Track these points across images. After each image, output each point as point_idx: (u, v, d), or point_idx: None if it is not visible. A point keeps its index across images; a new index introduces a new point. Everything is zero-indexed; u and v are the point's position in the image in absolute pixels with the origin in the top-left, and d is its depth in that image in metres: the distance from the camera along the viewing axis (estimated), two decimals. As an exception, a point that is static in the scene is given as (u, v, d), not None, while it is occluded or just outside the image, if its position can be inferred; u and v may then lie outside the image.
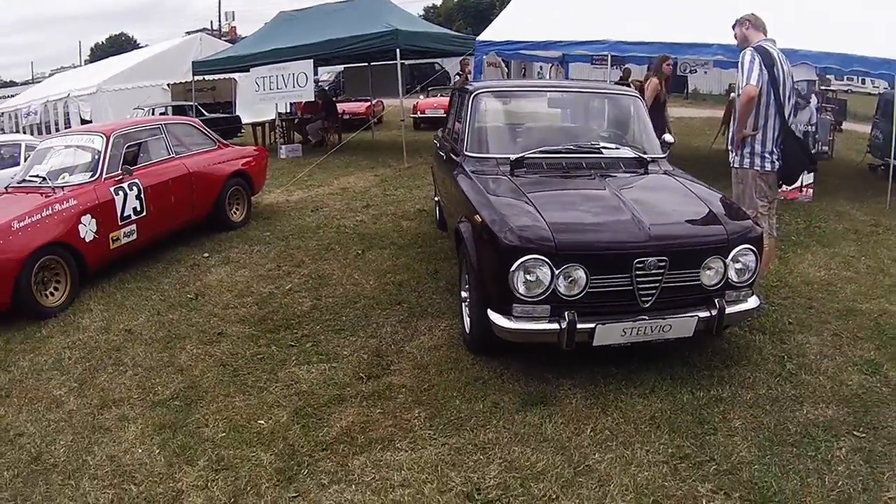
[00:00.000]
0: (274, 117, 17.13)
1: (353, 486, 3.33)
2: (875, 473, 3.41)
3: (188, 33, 27.29)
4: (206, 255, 7.60)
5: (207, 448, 3.72)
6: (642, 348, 4.52)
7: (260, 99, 15.33)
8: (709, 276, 4.03)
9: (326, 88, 26.12)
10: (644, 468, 3.46)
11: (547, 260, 3.83)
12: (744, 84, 4.91)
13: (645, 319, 3.93)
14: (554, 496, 3.26)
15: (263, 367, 4.63)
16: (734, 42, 9.38)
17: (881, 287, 6.00)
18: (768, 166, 5.05)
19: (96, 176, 6.63)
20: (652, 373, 4.36)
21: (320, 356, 4.77)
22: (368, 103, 21.20)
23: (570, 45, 10.81)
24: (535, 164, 4.98)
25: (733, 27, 5.42)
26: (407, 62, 19.82)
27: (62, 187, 6.43)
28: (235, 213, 8.75)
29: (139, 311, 5.88)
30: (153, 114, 17.53)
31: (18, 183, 6.80)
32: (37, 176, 6.72)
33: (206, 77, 19.09)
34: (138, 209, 6.91)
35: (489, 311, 4.13)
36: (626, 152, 5.20)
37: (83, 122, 19.83)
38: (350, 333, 5.18)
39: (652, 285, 3.94)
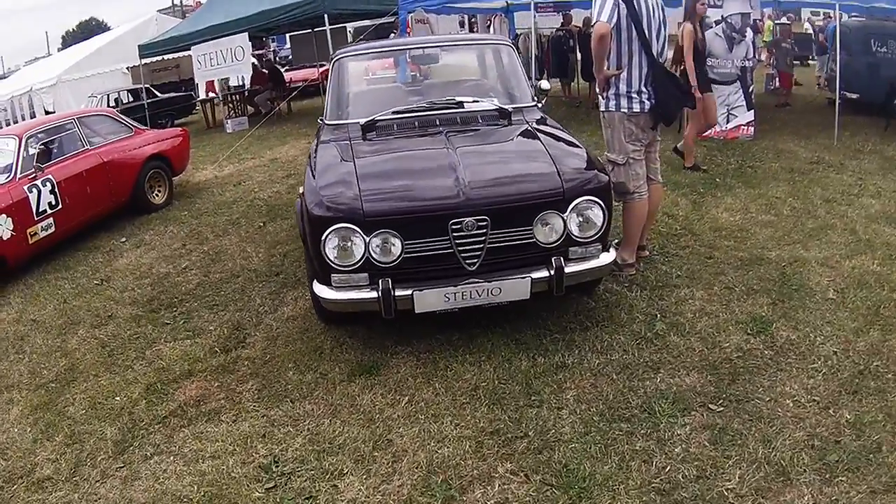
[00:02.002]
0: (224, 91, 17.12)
1: (171, 458, 3.47)
2: (718, 457, 3.05)
3: (160, 11, 27.00)
4: (124, 239, 7.86)
5: (67, 425, 3.93)
6: (496, 312, 4.36)
7: (202, 76, 15.29)
8: (545, 232, 3.82)
9: (272, 58, 26.11)
10: (446, 444, 3.32)
11: (356, 228, 3.72)
12: (594, 21, 4.59)
13: (469, 283, 3.76)
14: (344, 470, 3.22)
15: (136, 347, 4.81)
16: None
17: (801, 231, 5.68)
18: (636, 107, 4.66)
19: (10, 177, 6.84)
20: (496, 337, 4.21)
21: (187, 332, 4.91)
22: (322, 68, 21.11)
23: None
24: (387, 127, 4.74)
25: None
26: (350, 25, 19.68)
27: None
28: (157, 196, 8.96)
29: (50, 300, 6.07)
30: (107, 100, 17.59)
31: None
32: None
33: (166, 56, 19.03)
34: (53, 203, 7.12)
35: (315, 282, 4.07)
36: (486, 105, 4.90)
37: (46, 114, 19.90)
38: (222, 308, 5.29)
39: (475, 247, 3.75)
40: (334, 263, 3.87)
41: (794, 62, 13.83)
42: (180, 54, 17.89)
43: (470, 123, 4.81)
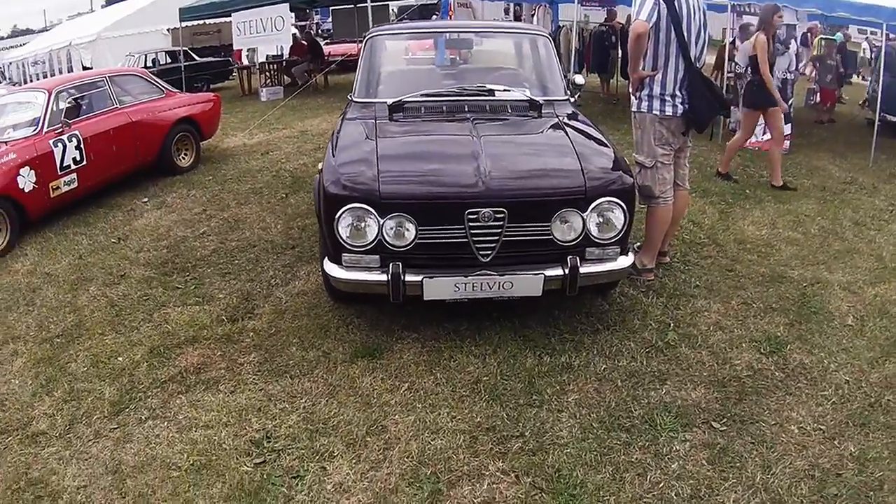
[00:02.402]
0: (263, 59, 17.11)
1: (165, 423, 3.47)
2: (715, 478, 2.94)
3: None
4: (146, 199, 7.93)
5: (67, 381, 3.96)
6: (507, 306, 4.29)
7: (241, 43, 15.28)
8: (563, 230, 3.71)
9: (315, 30, 26.02)
10: (440, 436, 3.26)
11: (371, 209, 3.64)
12: (633, 19, 4.46)
13: (481, 275, 3.67)
14: (335, 453, 3.19)
15: (144, 308, 4.81)
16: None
17: (826, 252, 5.47)
18: (669, 110, 4.53)
19: (37, 130, 6.89)
20: (504, 332, 4.13)
21: (197, 298, 4.90)
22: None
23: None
24: (414, 109, 4.66)
25: None
26: (393, 3, 19.57)
27: (5, 142, 6.71)
28: (183, 159, 9.00)
29: (66, 255, 6.10)
30: (145, 60, 17.66)
31: (-30, 137, 7.01)
32: None
33: (207, 21, 19.05)
34: (78, 159, 7.18)
35: (326, 259, 4.00)
36: (517, 95, 4.79)
37: (84, 69, 20.07)
38: (234, 277, 5.28)
39: (490, 238, 3.66)
40: (346, 243, 3.80)
41: (843, 79, 13.43)
42: (221, 20, 17.83)
43: (499, 112, 4.70)
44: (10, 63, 26.29)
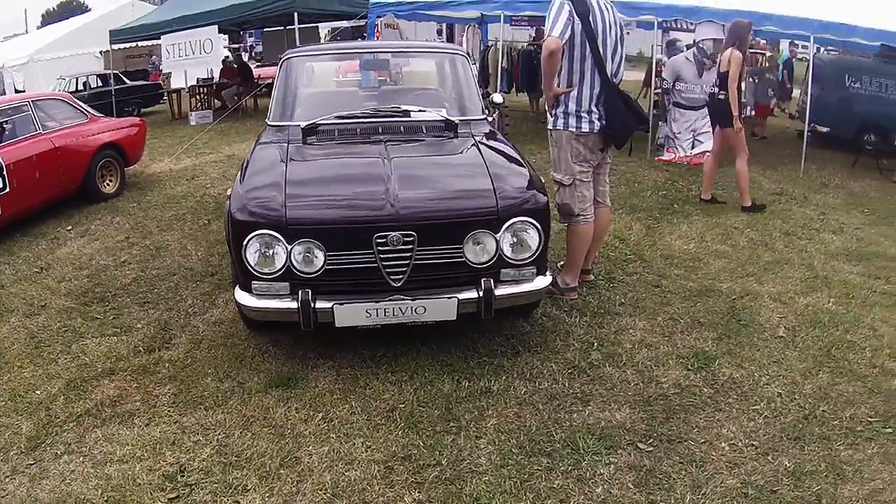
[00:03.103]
0: (193, 82, 16.93)
1: (80, 458, 3.38)
2: (643, 500, 2.87)
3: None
4: (70, 227, 7.70)
5: None
6: (424, 331, 4.22)
7: (170, 66, 15.10)
8: (476, 252, 3.65)
9: (241, 54, 25.95)
10: (355, 466, 3.18)
11: (278, 235, 3.56)
12: (545, 35, 4.37)
13: (393, 300, 3.60)
14: (248, 486, 3.10)
15: (63, 340, 4.71)
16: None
17: (756, 264, 5.52)
18: (585, 127, 4.48)
19: None
20: (423, 357, 4.06)
21: (115, 329, 4.79)
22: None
23: (461, 5, 10.61)
24: (328, 132, 4.61)
25: None
26: (323, 24, 19.51)
27: None
28: (108, 185, 8.77)
29: None
30: (76, 83, 17.32)
31: None
32: None
33: (139, 43, 18.78)
34: (1, 186, 6.97)
35: (237, 287, 3.90)
36: (432, 115, 4.74)
37: (16, 92, 19.61)
38: (153, 306, 5.15)
39: (401, 263, 3.61)
40: (255, 270, 3.71)
41: (788, 94, 13.67)
42: (153, 42, 17.60)
43: (414, 134, 4.68)
44: (-58, 86, 25.53)
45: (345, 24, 14.68)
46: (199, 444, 3.41)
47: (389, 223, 3.56)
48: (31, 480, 3.26)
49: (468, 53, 5.62)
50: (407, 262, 3.63)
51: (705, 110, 9.26)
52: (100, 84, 17.60)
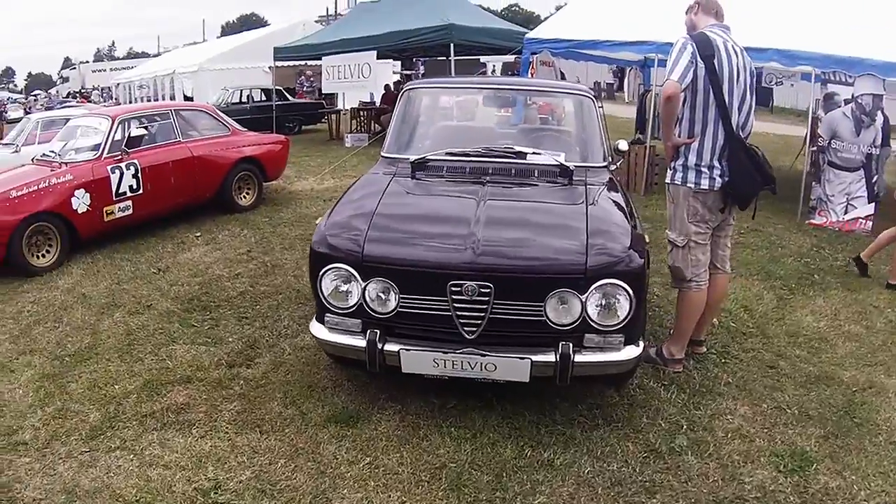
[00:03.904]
0: (356, 105, 17.37)
1: (131, 456, 3.51)
2: None
3: (321, 17, 28.11)
4: (198, 234, 8.09)
5: (62, 399, 4.14)
6: (501, 386, 3.84)
7: (329, 87, 15.55)
8: (558, 312, 3.35)
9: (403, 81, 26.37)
10: None
11: (353, 271, 3.46)
12: (665, 79, 3.98)
13: (462, 353, 3.37)
14: None
15: (155, 341, 4.91)
16: (790, 47, 8.88)
17: (889, 351, 4.83)
18: (705, 183, 4.06)
19: (97, 155, 7.26)
20: (493, 415, 3.79)
21: (207, 339, 4.92)
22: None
23: (616, 46, 10.25)
24: (436, 167, 4.45)
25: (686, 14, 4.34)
26: (486, 57, 19.55)
27: (66, 163, 7.11)
28: (245, 198, 9.18)
29: (106, 278, 6.39)
30: (240, 95, 18.18)
31: (42, 156, 7.60)
32: (53, 151, 7.53)
33: (310, 62, 19.50)
34: (135, 187, 7.49)
35: (314, 318, 3.80)
36: (546, 159, 4.48)
37: (186, 98, 20.97)
38: (249, 322, 5.24)
39: (476, 314, 3.35)
40: (329, 304, 3.61)
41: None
42: (315, 62, 18.25)
43: (525, 177, 4.41)
44: (119, 84, 27.80)
45: (501, 58, 14.62)
46: (243, 465, 3.42)
47: (465, 271, 3.32)
48: (80, 466, 3.44)
49: (596, 95, 5.24)
50: (483, 314, 3.36)
51: (861, 172, 8.53)
52: (263, 98, 18.41)
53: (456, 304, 3.40)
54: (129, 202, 7.42)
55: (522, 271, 3.42)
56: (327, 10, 42.38)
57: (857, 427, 3.90)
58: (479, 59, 18.65)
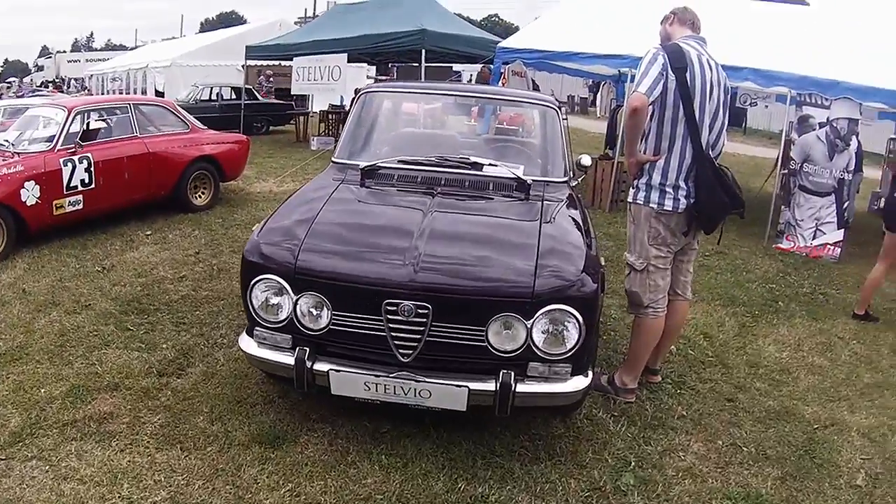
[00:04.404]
0: (326, 108, 17.11)
1: (47, 468, 3.32)
2: None
3: (300, 18, 27.85)
4: (149, 232, 7.80)
5: None
6: (441, 412, 3.60)
7: (298, 89, 15.30)
8: (501, 338, 3.12)
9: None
10: None
11: (284, 283, 3.23)
12: (632, 91, 3.77)
13: (396, 377, 3.13)
14: None
15: (89, 344, 4.69)
16: (767, 67, 8.75)
17: (853, 386, 4.72)
18: (669, 204, 3.82)
19: (51, 147, 6.94)
20: (428, 444, 3.55)
21: (140, 345, 4.71)
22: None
23: (590, 58, 10.11)
24: (387, 176, 4.22)
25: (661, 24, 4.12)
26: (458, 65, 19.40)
27: (18, 153, 6.81)
28: (200, 197, 8.88)
29: (49, 275, 6.12)
30: (210, 93, 17.86)
31: (-4, 144, 7.24)
32: (7, 140, 7.16)
33: (284, 63, 19.19)
34: (86, 181, 7.17)
35: (245, 331, 3.56)
36: (503, 172, 4.25)
37: (157, 93, 20.62)
38: (186, 328, 5.03)
39: (413, 336, 3.13)
40: (259, 317, 3.36)
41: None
42: (287, 63, 17.96)
43: (479, 190, 4.18)
44: (92, 76, 27.40)
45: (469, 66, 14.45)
46: (159, 484, 3.22)
47: (402, 289, 3.08)
48: (-6, 476, 3.19)
49: (559, 107, 5.03)
50: (419, 336, 3.13)
51: (832, 197, 8.42)
52: (233, 97, 18.05)
53: (391, 325, 3.16)
54: (80, 196, 7.13)
55: (463, 292, 3.17)
56: (305, 10, 42.10)
57: (816, 468, 3.71)
58: (451, 67, 18.44)
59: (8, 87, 34.51)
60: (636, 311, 4.15)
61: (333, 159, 4.68)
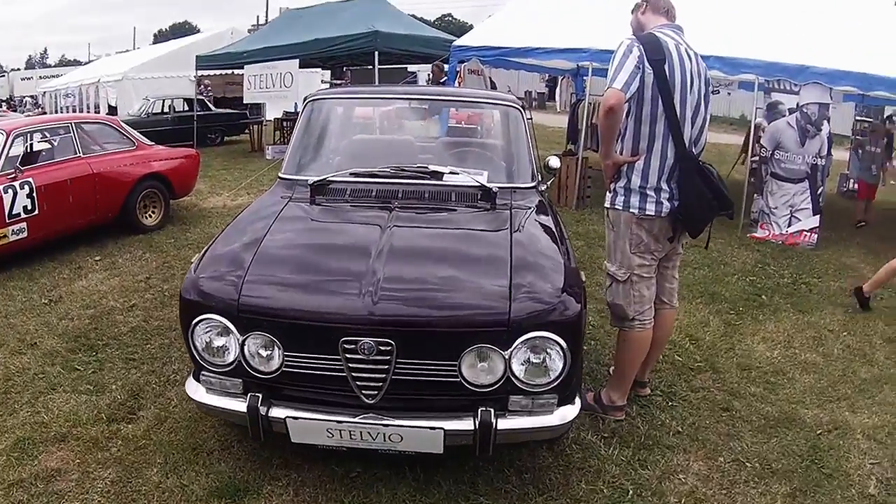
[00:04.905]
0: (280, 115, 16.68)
1: None
2: None
3: (253, 26, 27.33)
4: (98, 258, 7.37)
5: None
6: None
7: (250, 97, 14.89)
8: (476, 372, 2.78)
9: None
10: None
11: (227, 323, 2.87)
12: (606, 87, 3.37)
13: (363, 421, 2.79)
14: None
15: (34, 389, 4.33)
16: (733, 55, 8.53)
17: (850, 383, 4.49)
18: (651, 208, 3.50)
19: None
20: (402, 486, 3.22)
21: (89, 386, 4.34)
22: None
23: (548, 53, 9.85)
24: (339, 191, 3.86)
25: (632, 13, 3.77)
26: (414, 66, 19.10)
27: None
28: (150, 217, 8.44)
29: None
30: (162, 105, 17.35)
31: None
32: None
33: (235, 71, 18.74)
34: (29, 208, 6.76)
35: (191, 375, 3.20)
36: (466, 180, 3.91)
37: (109, 108, 20.05)
38: (136, 365, 4.66)
39: (377, 375, 2.78)
40: (203, 360, 2.99)
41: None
42: (238, 71, 17.52)
43: (440, 201, 3.83)
44: (45, 92, 26.74)
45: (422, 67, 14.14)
46: None
47: (360, 325, 2.72)
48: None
49: (523, 106, 4.70)
50: (384, 374, 2.78)
51: (805, 183, 8.26)
52: (186, 108, 17.54)
53: (351, 364, 2.80)
54: (24, 224, 6.70)
55: (429, 324, 2.81)
56: (258, 18, 41.50)
57: (825, 479, 3.44)
58: (406, 68, 18.10)
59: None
60: (621, 324, 3.82)
61: (280, 175, 4.28)
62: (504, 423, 2.84)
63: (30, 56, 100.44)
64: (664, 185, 3.55)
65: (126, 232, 8.11)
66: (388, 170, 3.99)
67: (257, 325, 2.84)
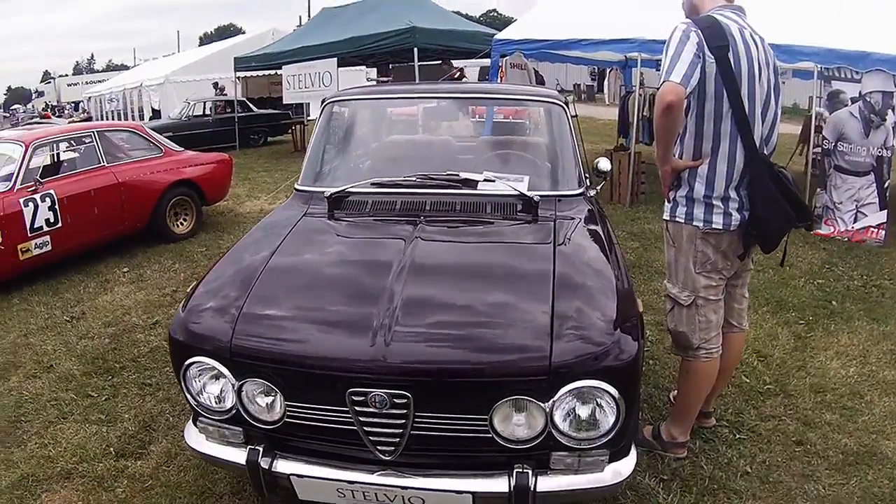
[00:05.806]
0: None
1: None
2: None
3: (297, 27, 27.21)
4: (126, 269, 7.14)
5: None
6: None
7: (290, 97, 14.65)
8: (511, 426, 2.34)
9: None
10: None
11: (221, 368, 2.49)
12: (661, 79, 2.85)
13: (377, 481, 2.37)
14: None
15: (45, 417, 4.11)
16: (788, 42, 7.96)
17: None
18: (718, 221, 2.98)
19: (9, 187, 6.37)
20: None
21: (101, 415, 4.09)
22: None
23: (593, 45, 9.36)
24: (359, 203, 3.43)
25: None
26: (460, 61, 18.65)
27: None
28: (181, 225, 8.23)
29: (14, 329, 5.57)
30: (203, 107, 17.23)
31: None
32: None
33: (278, 72, 18.58)
34: (52, 220, 6.61)
35: (190, 420, 2.82)
36: (503, 188, 3.41)
37: (153, 111, 20.11)
38: (152, 392, 4.37)
39: (392, 431, 2.37)
40: (199, 405, 2.61)
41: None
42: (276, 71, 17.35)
43: (474, 213, 3.37)
44: (90, 98, 27.08)
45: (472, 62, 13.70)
46: None
47: (367, 375, 2.29)
48: None
49: (566, 102, 4.20)
50: (401, 430, 2.35)
51: (871, 176, 7.66)
52: (228, 110, 17.39)
53: (362, 418, 2.37)
54: (48, 237, 6.52)
55: (451, 374, 2.35)
56: (300, 18, 41.55)
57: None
58: (449, 63, 17.70)
59: (6, 118, 34.26)
60: (684, 353, 3.31)
61: (296, 186, 3.86)
62: (545, 483, 2.38)
63: (77, 62, 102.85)
64: (733, 194, 3.01)
65: (157, 240, 7.90)
66: (414, 179, 3.53)
67: (253, 370, 2.44)
